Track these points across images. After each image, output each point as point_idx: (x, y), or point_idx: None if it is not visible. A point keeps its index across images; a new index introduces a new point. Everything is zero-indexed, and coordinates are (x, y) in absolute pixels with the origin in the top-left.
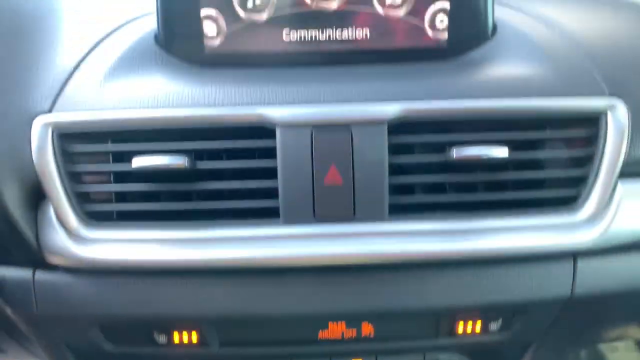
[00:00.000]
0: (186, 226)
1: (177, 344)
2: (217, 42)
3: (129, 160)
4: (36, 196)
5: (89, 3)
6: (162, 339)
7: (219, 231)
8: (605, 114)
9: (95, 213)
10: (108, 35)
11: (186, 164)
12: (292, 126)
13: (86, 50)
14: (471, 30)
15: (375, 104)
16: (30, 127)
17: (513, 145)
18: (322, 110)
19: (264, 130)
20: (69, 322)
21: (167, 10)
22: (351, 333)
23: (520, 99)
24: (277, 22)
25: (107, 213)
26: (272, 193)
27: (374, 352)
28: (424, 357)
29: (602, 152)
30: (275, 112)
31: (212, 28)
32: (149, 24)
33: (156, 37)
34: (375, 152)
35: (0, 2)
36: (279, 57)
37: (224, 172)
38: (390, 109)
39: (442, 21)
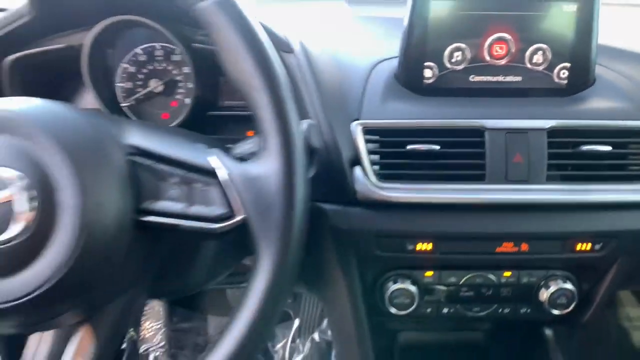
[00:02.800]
0: (434, 183)
1: (418, 251)
2: (431, 80)
3: (404, 147)
4: (353, 163)
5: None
6: (410, 247)
7: (455, 185)
8: None
9: (387, 175)
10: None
11: (437, 149)
12: (495, 130)
13: (365, 78)
14: (581, 79)
15: (541, 121)
16: (349, 127)
17: (614, 145)
18: (512, 123)
19: (477, 132)
20: (360, 235)
21: (405, 63)
22: (515, 249)
23: (615, 121)
24: (468, 70)
25: (392, 175)
26: (481, 166)
27: (527, 263)
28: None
29: None
30: (486, 123)
31: (429, 73)
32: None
33: (395, 76)
34: (540, 146)
35: None
36: (468, 92)
37: (456, 154)
38: (549, 123)
39: (564, 73)
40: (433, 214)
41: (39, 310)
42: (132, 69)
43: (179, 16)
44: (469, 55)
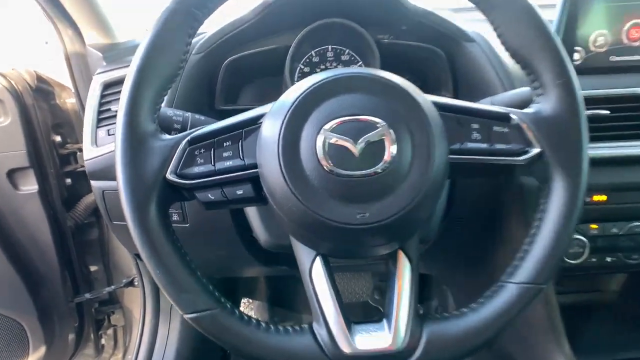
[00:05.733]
0: (604, 141)
1: (594, 201)
2: (579, 62)
3: None
4: None
5: None
6: (586, 199)
7: (624, 142)
8: None
9: None
10: None
11: (607, 113)
12: None
13: None
14: None
15: None
16: None
17: None
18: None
19: (636, 99)
20: None
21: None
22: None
23: None
24: (608, 52)
25: None
26: None
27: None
28: None
29: None
30: None
31: (577, 56)
32: None
33: None
34: None
35: None
36: (608, 70)
37: (623, 117)
38: None
39: None
40: (606, 169)
41: (381, 235)
42: (306, 69)
43: (374, 19)
44: (609, 39)
